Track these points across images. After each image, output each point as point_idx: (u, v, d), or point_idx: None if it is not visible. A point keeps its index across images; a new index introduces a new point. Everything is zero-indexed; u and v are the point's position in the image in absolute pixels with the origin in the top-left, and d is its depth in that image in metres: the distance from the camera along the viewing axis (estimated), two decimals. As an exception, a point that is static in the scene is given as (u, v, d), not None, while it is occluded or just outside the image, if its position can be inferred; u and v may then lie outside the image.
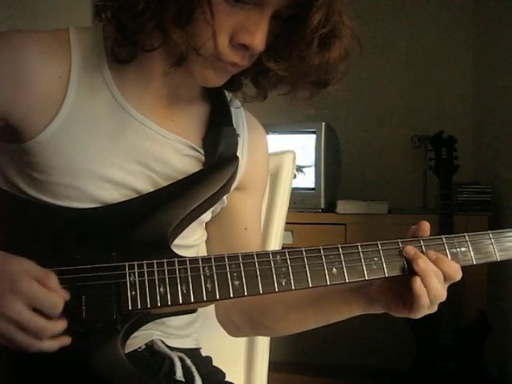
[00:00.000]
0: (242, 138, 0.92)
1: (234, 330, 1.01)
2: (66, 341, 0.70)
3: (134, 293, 0.73)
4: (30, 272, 0.68)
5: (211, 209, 0.92)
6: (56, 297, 0.68)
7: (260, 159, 0.98)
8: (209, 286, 0.74)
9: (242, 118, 0.94)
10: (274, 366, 1.25)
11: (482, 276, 2.23)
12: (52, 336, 0.68)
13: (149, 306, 0.73)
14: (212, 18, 0.73)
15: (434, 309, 0.81)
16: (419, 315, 0.81)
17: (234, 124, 0.91)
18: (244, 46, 0.76)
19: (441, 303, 0.82)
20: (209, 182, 0.82)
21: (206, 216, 0.92)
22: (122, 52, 0.79)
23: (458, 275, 0.80)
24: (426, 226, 0.82)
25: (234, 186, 0.93)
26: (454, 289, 2.45)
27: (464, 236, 0.83)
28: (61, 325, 0.69)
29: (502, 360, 2.32)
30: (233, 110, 0.92)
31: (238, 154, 0.88)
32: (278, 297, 0.93)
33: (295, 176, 1.28)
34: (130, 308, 0.73)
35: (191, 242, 0.89)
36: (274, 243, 1.18)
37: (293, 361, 2.61)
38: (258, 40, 0.75)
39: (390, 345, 2.56)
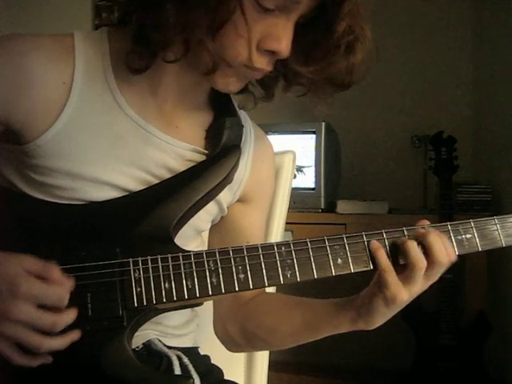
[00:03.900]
0: (247, 149, 0.91)
1: (232, 345, 1.00)
2: (75, 336, 0.70)
3: (139, 289, 0.73)
4: (28, 270, 0.68)
5: (211, 218, 0.92)
6: (59, 288, 0.69)
7: (265, 172, 0.97)
8: (214, 280, 0.74)
9: (249, 129, 0.94)
10: (274, 366, 1.25)
11: (482, 276, 2.23)
12: (61, 333, 0.69)
13: (154, 302, 0.73)
14: (247, 28, 0.74)
15: (434, 277, 0.79)
16: (391, 288, 0.77)
17: (242, 138, 0.90)
18: (270, 51, 0.77)
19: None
20: (211, 173, 0.82)
21: (205, 225, 0.92)
22: (137, 62, 0.78)
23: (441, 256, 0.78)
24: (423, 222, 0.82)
25: (237, 196, 0.93)
26: (454, 289, 2.44)
27: (469, 222, 0.82)
28: (72, 314, 0.69)
29: (502, 360, 2.32)
30: (242, 118, 0.92)
31: (241, 147, 0.88)
32: (270, 307, 0.94)
33: (295, 176, 1.28)
34: (135, 305, 0.73)
35: (190, 249, 0.89)
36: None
37: (293, 361, 2.61)
38: (284, 45, 0.76)
39: (390, 345, 2.56)
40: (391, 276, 0.77)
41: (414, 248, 0.77)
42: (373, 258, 0.78)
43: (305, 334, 0.92)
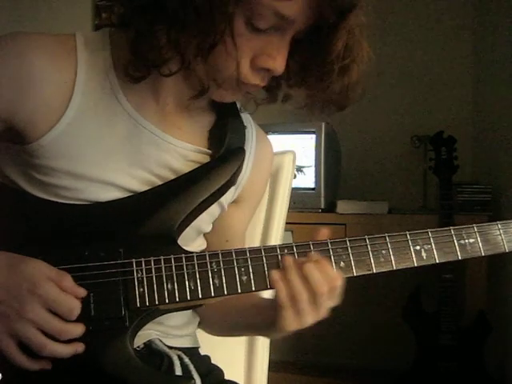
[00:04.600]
0: (249, 150, 0.91)
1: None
2: (79, 348, 0.71)
3: (141, 290, 0.73)
4: (46, 273, 0.69)
5: (213, 219, 0.92)
6: (74, 301, 0.70)
7: (261, 173, 0.98)
8: (216, 281, 0.75)
9: (251, 130, 0.94)
10: (274, 366, 1.25)
11: (482, 276, 2.23)
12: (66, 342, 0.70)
13: (157, 303, 0.74)
14: (236, 50, 0.74)
15: (304, 321, 0.75)
16: (284, 322, 0.75)
17: (246, 137, 0.90)
18: (265, 68, 0.77)
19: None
20: (215, 175, 0.82)
21: (207, 226, 0.92)
22: (135, 72, 0.78)
23: (319, 287, 0.73)
24: (323, 234, 0.79)
25: (236, 194, 0.93)
26: (454, 289, 2.44)
27: (473, 227, 0.82)
28: (79, 329, 0.71)
29: (502, 360, 2.32)
30: (244, 118, 0.92)
31: (245, 148, 0.88)
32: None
33: (295, 176, 1.28)
34: (138, 305, 0.73)
35: (192, 250, 0.89)
36: (274, 243, 1.18)
37: (293, 361, 2.61)
38: (279, 64, 0.77)
39: (390, 345, 2.56)
40: (288, 312, 0.74)
41: (296, 280, 0.74)
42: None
43: (239, 331, 0.96)
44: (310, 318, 0.75)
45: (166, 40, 0.73)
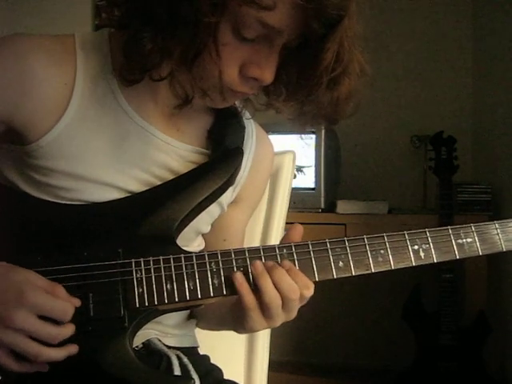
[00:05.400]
0: (248, 149, 0.91)
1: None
2: (73, 349, 0.71)
3: (140, 290, 0.73)
4: (34, 282, 0.69)
5: (212, 220, 0.92)
6: (65, 303, 0.69)
7: (262, 173, 0.98)
8: (216, 281, 0.75)
9: (251, 129, 0.94)
10: (274, 366, 1.25)
11: (482, 276, 2.23)
12: (60, 344, 0.69)
13: (156, 303, 0.74)
14: (219, 59, 0.73)
15: (273, 324, 0.76)
16: (252, 323, 0.75)
17: (245, 137, 0.90)
18: (253, 78, 0.76)
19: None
20: (213, 175, 0.82)
21: (206, 227, 0.92)
22: (129, 76, 0.78)
23: (291, 293, 0.74)
24: (299, 229, 0.79)
25: (235, 194, 0.93)
26: (454, 289, 2.44)
27: (470, 227, 0.83)
28: (71, 329, 0.70)
29: (502, 360, 2.32)
30: (243, 118, 0.92)
31: (243, 149, 0.88)
32: None
33: (295, 176, 1.28)
34: (137, 305, 0.73)
35: (191, 250, 0.89)
36: (274, 243, 1.18)
37: (293, 361, 2.61)
38: (268, 74, 0.76)
39: (390, 345, 2.56)
40: (255, 314, 0.75)
41: (269, 287, 0.74)
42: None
43: (214, 326, 0.96)
44: (280, 320, 0.76)
45: (151, 46, 0.73)
